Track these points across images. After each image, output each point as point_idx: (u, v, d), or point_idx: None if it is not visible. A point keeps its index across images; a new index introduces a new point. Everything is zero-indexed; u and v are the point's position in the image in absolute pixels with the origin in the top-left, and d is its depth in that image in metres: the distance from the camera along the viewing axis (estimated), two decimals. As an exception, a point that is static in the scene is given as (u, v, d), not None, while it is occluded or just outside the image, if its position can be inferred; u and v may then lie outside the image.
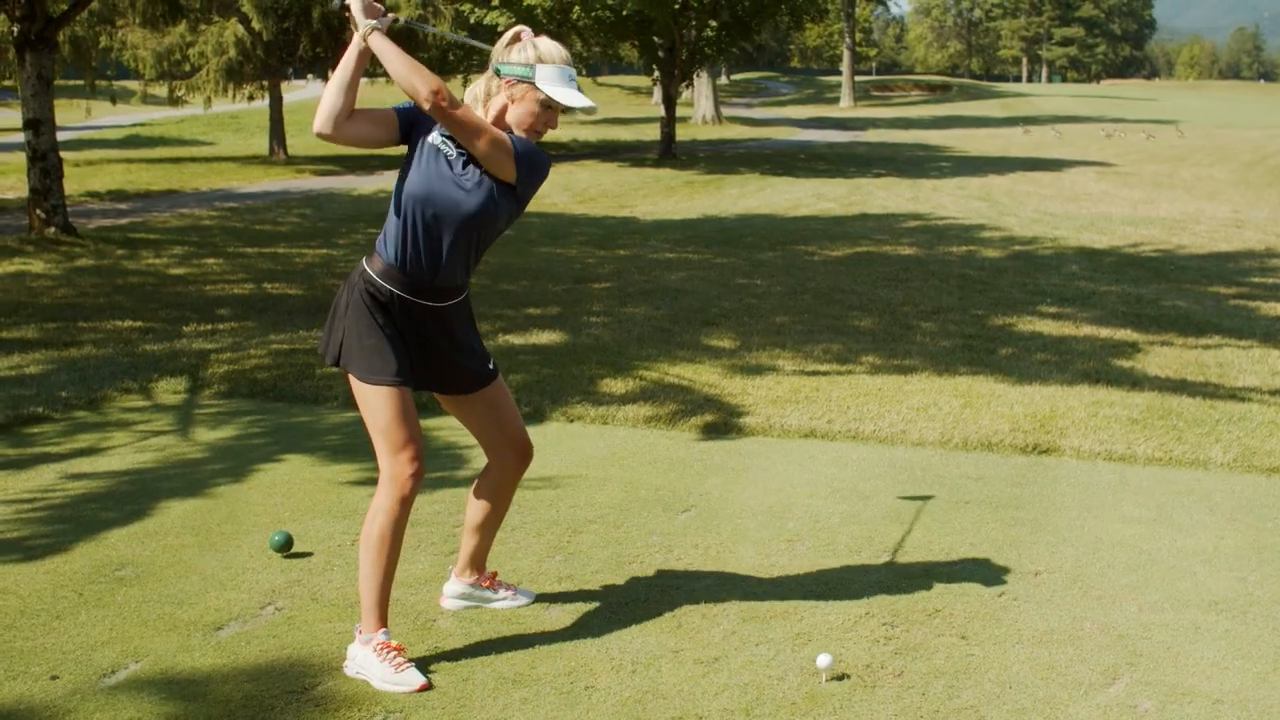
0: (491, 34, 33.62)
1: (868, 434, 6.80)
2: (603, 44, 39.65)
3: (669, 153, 35.07)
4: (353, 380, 3.97)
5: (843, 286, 12.52)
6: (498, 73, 3.88)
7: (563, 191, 24.35)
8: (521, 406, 7.10)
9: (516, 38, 3.91)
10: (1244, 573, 4.90)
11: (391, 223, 3.91)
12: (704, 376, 8.09)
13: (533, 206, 20.73)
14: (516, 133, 3.88)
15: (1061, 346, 9.55)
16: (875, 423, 6.96)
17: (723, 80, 79.57)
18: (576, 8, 30.36)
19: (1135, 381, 8.24)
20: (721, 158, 35.87)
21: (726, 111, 60.27)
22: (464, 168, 3.84)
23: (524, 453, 4.23)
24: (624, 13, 30.89)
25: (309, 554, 4.91)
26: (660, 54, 34.73)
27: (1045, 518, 5.51)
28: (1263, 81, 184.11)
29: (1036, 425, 6.95)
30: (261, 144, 38.11)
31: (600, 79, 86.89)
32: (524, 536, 5.14)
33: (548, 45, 3.88)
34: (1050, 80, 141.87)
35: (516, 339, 9.39)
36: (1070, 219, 19.94)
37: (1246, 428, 6.98)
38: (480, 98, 3.97)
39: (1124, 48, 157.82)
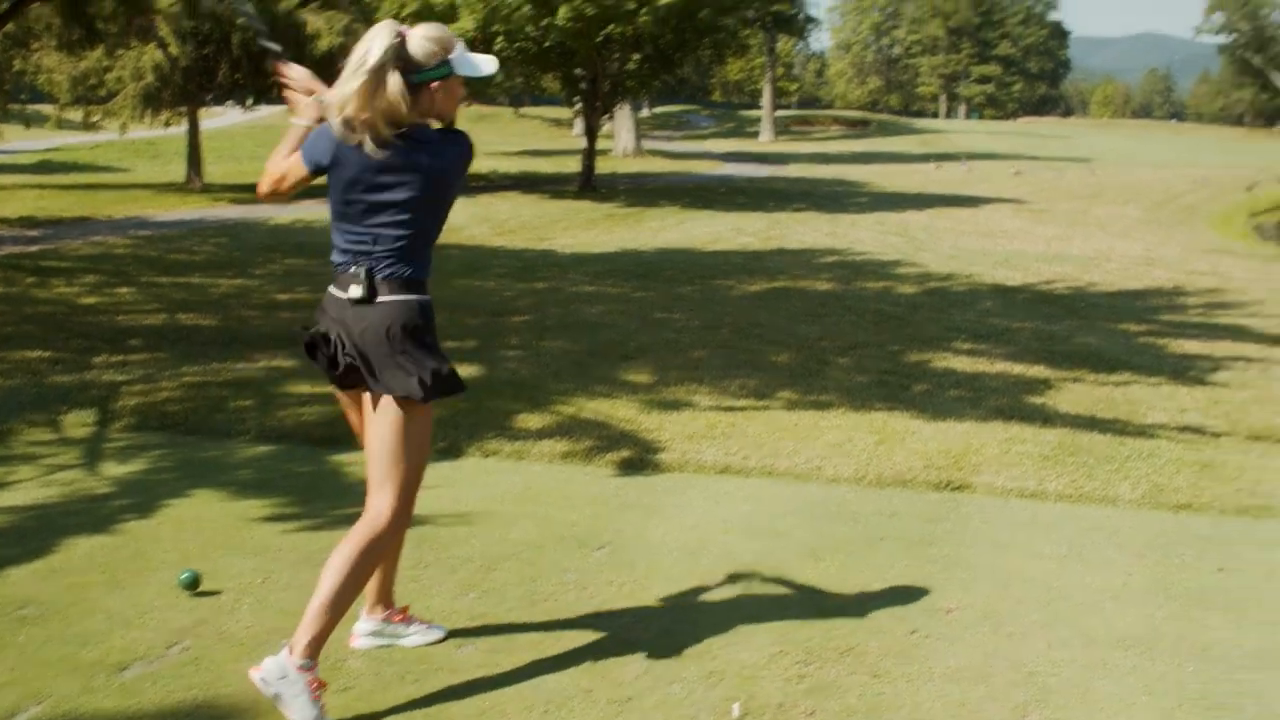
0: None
1: (783, 470, 6.83)
2: (525, 75, 39.68)
3: (589, 185, 35.13)
4: (413, 406, 3.95)
5: (760, 321, 12.58)
6: (416, 83, 3.85)
7: (482, 223, 24.30)
8: (437, 442, 7.06)
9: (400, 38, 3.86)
10: (1151, 609, 4.97)
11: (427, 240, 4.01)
12: (621, 412, 8.09)
13: (451, 238, 20.69)
14: (439, 123, 3.97)
15: (975, 383, 9.65)
16: (790, 459, 7.00)
17: (644, 113, 79.86)
18: (499, 38, 30.34)
19: (1047, 418, 8.35)
20: (642, 190, 35.98)
21: (647, 144, 60.51)
22: None
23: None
24: (546, 44, 30.95)
25: (217, 592, 4.84)
26: (582, 86, 34.79)
27: (957, 554, 5.56)
28: (1174, 121, 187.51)
29: (950, 462, 7.02)
30: (178, 171, 37.65)
31: (522, 110, 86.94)
32: (436, 574, 5.11)
33: (438, 31, 3.94)
34: (968, 117, 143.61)
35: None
36: (985, 255, 20.19)
37: (1154, 464, 7.09)
38: (394, 108, 3.83)
39: (1040, 86, 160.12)
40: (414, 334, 3.90)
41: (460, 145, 3.97)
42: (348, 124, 3.78)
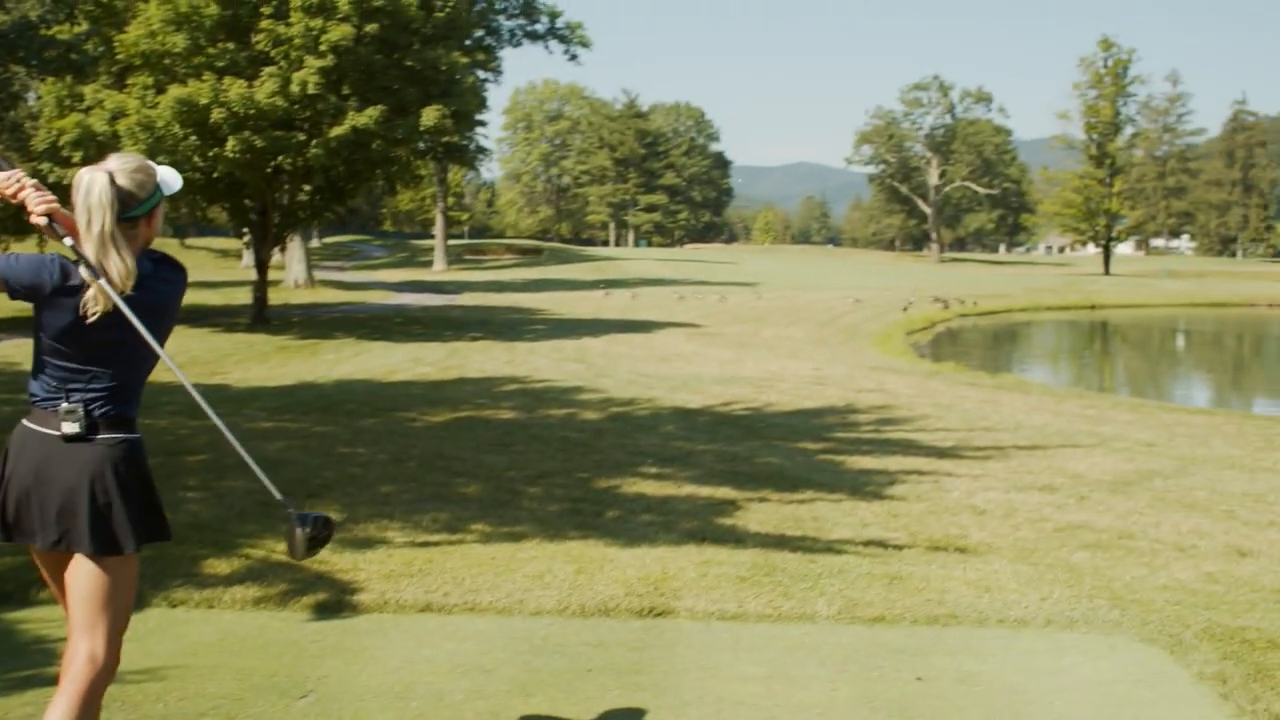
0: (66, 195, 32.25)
1: (485, 605, 6.72)
2: (191, 205, 38.74)
3: (262, 317, 34.41)
4: (121, 557, 3.81)
5: (446, 453, 12.46)
6: (134, 217, 3.77)
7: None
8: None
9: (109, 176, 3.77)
10: (857, 725, 5.06)
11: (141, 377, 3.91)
12: (312, 552, 7.83)
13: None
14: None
15: (666, 507, 9.77)
16: (492, 593, 6.90)
17: (315, 243, 79.00)
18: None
19: (739, 539, 8.50)
20: (316, 322, 35.47)
21: (319, 275, 59.80)
22: None
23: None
24: (215, 175, 30.33)
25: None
26: (252, 217, 34.17)
27: (667, 681, 5.56)
28: (831, 246, 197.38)
29: (650, 588, 7.04)
30: None
31: (188, 240, 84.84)
32: (128, 736, 4.80)
33: (137, 160, 3.88)
34: (637, 244, 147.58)
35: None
36: (664, 379, 20.62)
37: (846, 580, 7.28)
38: (112, 243, 3.74)
39: (704, 214, 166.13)
40: (131, 474, 3.75)
41: (177, 279, 3.88)
42: (90, 267, 3.65)
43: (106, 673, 3.80)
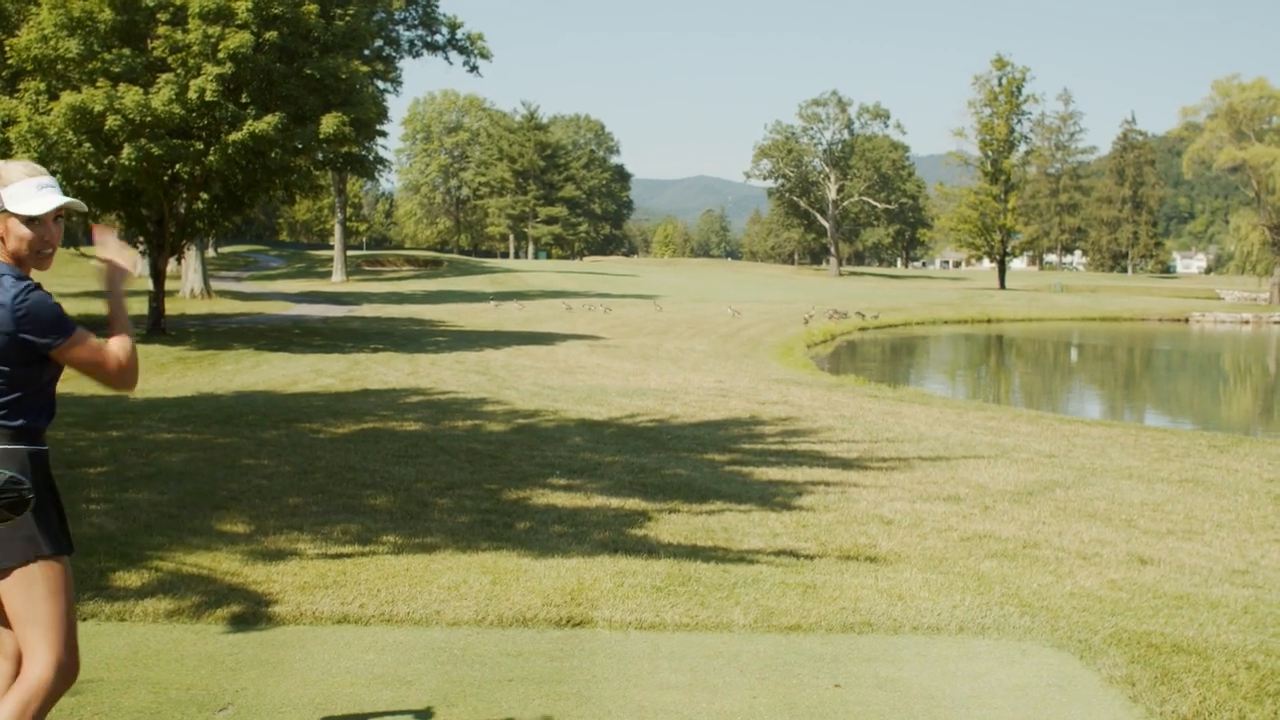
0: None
1: (402, 616, 6.68)
2: (84, 214, 38.03)
3: (158, 328, 33.89)
4: (41, 564, 3.79)
5: (353, 464, 12.35)
6: None
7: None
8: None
9: None
10: (779, 733, 5.10)
11: (45, 389, 3.91)
12: (223, 564, 7.73)
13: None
14: (10, 263, 3.85)
15: (576, 518, 9.76)
16: (408, 604, 6.85)
17: (210, 253, 78.06)
18: (57, 177, 28.99)
19: (652, 549, 8.53)
20: (213, 333, 35.02)
21: (216, 285, 59.11)
22: None
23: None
24: (110, 184, 29.85)
25: None
26: (149, 226, 33.65)
27: (588, 690, 5.56)
28: (730, 259, 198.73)
29: (567, 598, 7.04)
30: None
31: (82, 249, 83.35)
32: (42, 752, 4.69)
33: (7, 166, 3.87)
34: (536, 256, 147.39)
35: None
36: (568, 391, 20.60)
37: (761, 589, 7.33)
38: None
39: (604, 226, 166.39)
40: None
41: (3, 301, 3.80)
42: None
43: (58, 682, 3.87)
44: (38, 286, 3.83)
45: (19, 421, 3.81)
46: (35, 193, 3.84)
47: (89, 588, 7.02)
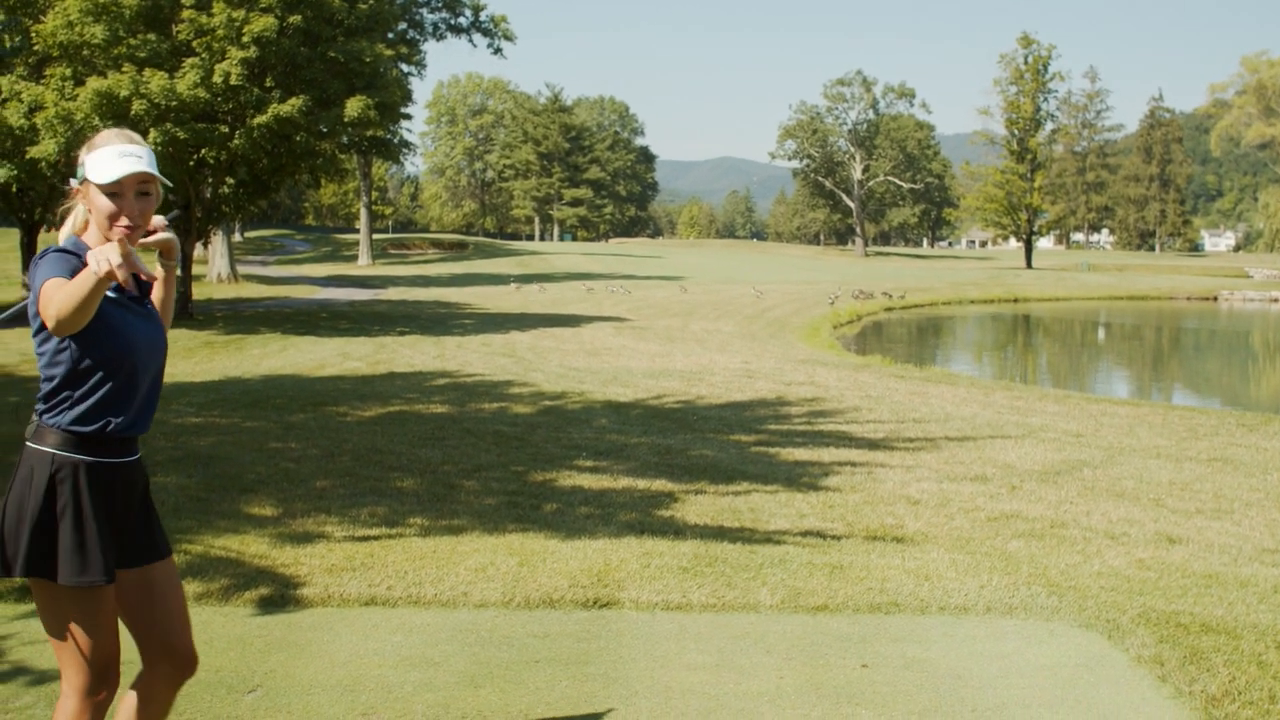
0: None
1: (429, 598, 6.70)
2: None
3: (185, 312, 34.00)
4: (47, 587, 3.60)
5: (380, 447, 12.38)
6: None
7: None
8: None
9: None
10: (806, 709, 5.12)
11: (79, 387, 3.61)
12: (252, 547, 7.77)
13: (35, 372, 19.59)
14: (98, 240, 3.66)
15: (603, 499, 9.77)
16: (435, 586, 6.88)
17: (237, 237, 78.27)
18: (87, 163, 29.14)
19: (678, 530, 8.53)
20: (240, 317, 35.11)
21: (242, 269, 59.26)
22: (146, 306, 3.74)
23: (182, 660, 3.87)
24: (136, 169, 29.91)
25: None
26: (175, 210, 33.75)
27: (615, 671, 5.57)
28: (755, 240, 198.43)
29: (594, 579, 7.05)
30: None
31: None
32: (73, 734, 4.73)
33: (102, 133, 3.70)
34: (561, 238, 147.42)
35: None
36: (594, 373, 20.60)
37: (788, 569, 7.33)
38: (77, 227, 3.73)
39: (629, 208, 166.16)
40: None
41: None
42: None
43: (77, 708, 3.75)
44: (58, 249, 3.62)
45: (55, 419, 3.63)
46: (115, 160, 3.60)
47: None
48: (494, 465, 11.41)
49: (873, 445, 13.23)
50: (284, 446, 12.43)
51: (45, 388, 3.64)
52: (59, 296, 3.30)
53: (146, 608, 3.79)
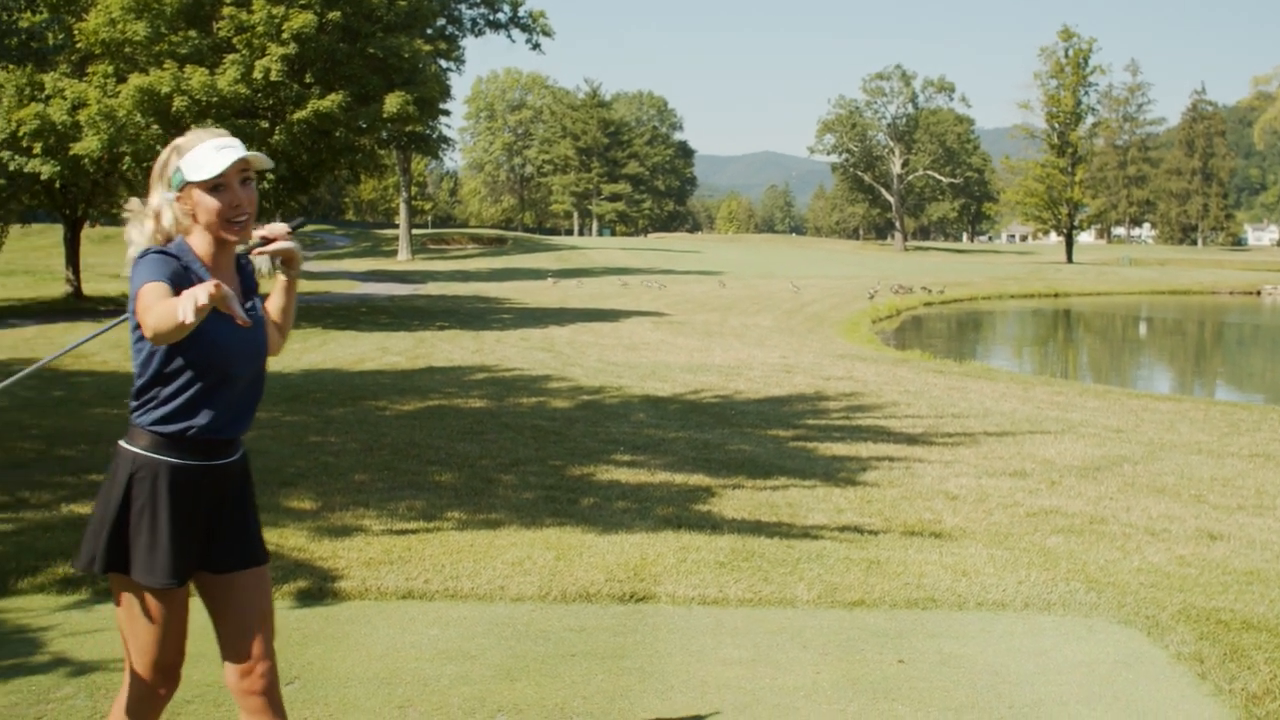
0: (34, 181, 32.04)
1: (466, 592, 6.72)
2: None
3: (227, 307, 34.17)
4: (121, 582, 3.64)
5: (418, 441, 12.43)
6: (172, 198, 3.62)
7: (114, 349, 23.26)
8: (99, 581, 6.66)
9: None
10: (843, 705, 5.11)
11: (167, 387, 3.59)
12: (290, 540, 7.81)
13: (83, 364, 19.73)
14: (205, 242, 3.64)
15: (640, 494, 9.78)
16: (472, 580, 6.90)
17: (277, 233, 78.36)
18: (126, 159, 29.37)
19: (715, 525, 8.52)
20: (281, 312, 35.20)
21: (283, 264, 59.36)
22: (248, 310, 3.73)
23: (246, 670, 3.82)
24: (178, 165, 30.09)
25: None
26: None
27: (651, 665, 5.58)
28: (794, 235, 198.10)
29: (630, 573, 7.06)
30: None
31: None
32: (114, 725, 4.77)
33: (188, 135, 3.66)
34: (600, 233, 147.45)
35: (83, 508, 8.80)
36: (632, 368, 20.62)
37: (825, 565, 7.32)
38: (163, 229, 3.65)
39: (668, 203, 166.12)
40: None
41: None
42: None
43: (131, 707, 3.80)
44: (159, 251, 3.56)
45: (141, 418, 3.63)
46: (214, 154, 3.56)
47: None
48: (532, 459, 11.43)
49: (911, 440, 13.19)
50: (323, 440, 12.49)
51: (136, 384, 3.63)
52: (156, 310, 3.26)
53: (225, 613, 3.80)
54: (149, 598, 3.64)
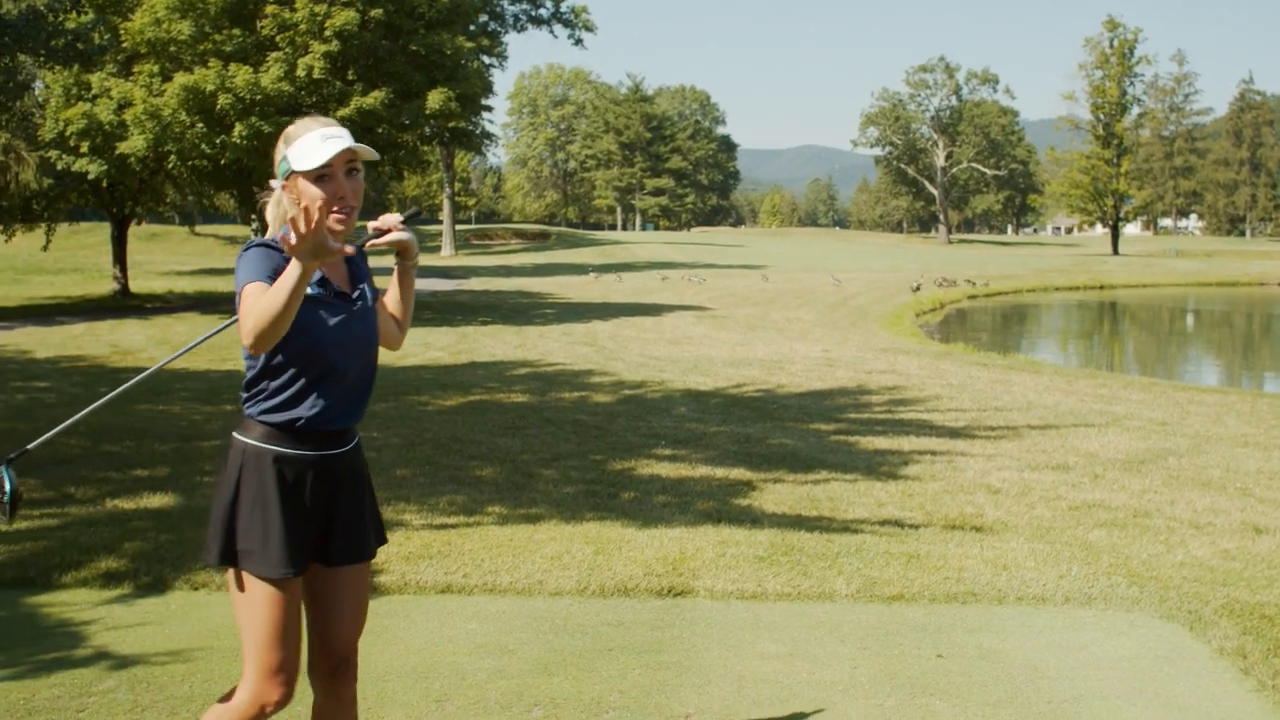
0: (81, 180, 32.38)
1: (505, 586, 6.74)
2: (198, 193, 38.73)
3: (270, 304, 34.39)
4: (242, 578, 3.59)
5: (460, 436, 12.46)
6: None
7: (160, 345, 23.44)
8: (141, 576, 6.73)
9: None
10: (880, 699, 5.10)
11: (274, 380, 3.59)
12: (331, 534, 7.84)
13: (128, 361, 19.87)
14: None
15: (681, 488, 9.78)
16: (511, 574, 6.92)
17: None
18: (172, 157, 29.60)
19: (755, 519, 8.51)
20: (325, 308, 35.39)
21: (327, 261, 59.69)
22: (355, 300, 3.71)
23: (338, 663, 3.82)
24: (222, 162, 30.32)
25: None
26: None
27: (689, 659, 5.58)
28: (838, 228, 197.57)
29: (669, 568, 7.06)
30: None
31: (196, 229, 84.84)
32: (155, 716, 4.82)
33: (295, 124, 3.65)
34: (644, 228, 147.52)
35: (127, 503, 8.90)
36: (674, 362, 20.60)
37: (864, 559, 7.30)
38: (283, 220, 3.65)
39: (711, 197, 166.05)
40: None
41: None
42: None
43: (246, 711, 3.69)
44: (261, 243, 3.55)
45: (250, 409, 3.63)
46: (319, 144, 3.53)
47: (199, 559, 7.16)
48: (573, 454, 11.45)
49: (953, 434, 13.13)
50: (365, 435, 12.41)
51: (246, 376, 3.64)
52: (258, 307, 3.25)
53: (325, 604, 3.78)
54: (266, 591, 3.57)
